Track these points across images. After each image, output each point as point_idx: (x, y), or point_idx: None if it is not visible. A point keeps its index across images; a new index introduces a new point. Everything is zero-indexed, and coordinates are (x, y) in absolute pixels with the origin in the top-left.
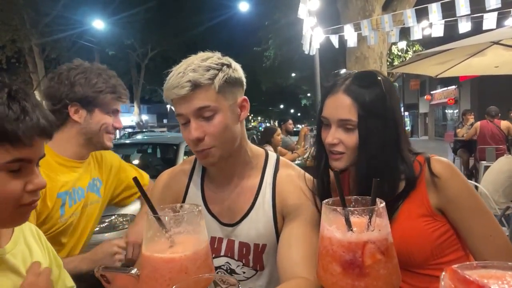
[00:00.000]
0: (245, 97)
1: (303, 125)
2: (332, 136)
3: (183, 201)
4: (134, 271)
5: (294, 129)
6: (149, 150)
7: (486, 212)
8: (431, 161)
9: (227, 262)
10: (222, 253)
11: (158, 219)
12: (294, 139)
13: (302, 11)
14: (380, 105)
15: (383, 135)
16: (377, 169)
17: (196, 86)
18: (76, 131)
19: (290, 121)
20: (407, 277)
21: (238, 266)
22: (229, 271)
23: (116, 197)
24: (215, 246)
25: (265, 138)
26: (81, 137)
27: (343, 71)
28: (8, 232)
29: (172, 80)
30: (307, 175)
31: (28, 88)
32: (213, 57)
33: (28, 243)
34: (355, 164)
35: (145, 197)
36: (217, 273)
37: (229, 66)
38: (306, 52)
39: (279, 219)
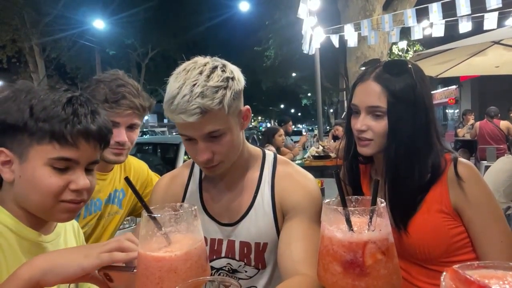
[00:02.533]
0: (248, 107)
1: (304, 133)
2: (361, 122)
3: None
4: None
5: (294, 129)
6: (150, 150)
7: (501, 219)
8: (458, 161)
9: (229, 263)
10: (223, 254)
11: (152, 218)
12: (294, 138)
13: (302, 11)
14: (410, 93)
15: (413, 122)
16: (405, 156)
17: (206, 112)
18: None
19: (291, 123)
20: (416, 271)
21: (240, 266)
22: (231, 271)
23: (137, 210)
24: (215, 248)
25: (267, 139)
26: None
27: (372, 60)
28: (51, 224)
29: (178, 103)
30: (305, 172)
31: None
32: (217, 71)
33: (66, 239)
34: (383, 151)
35: (137, 196)
36: (219, 274)
37: (233, 78)
38: (306, 52)
39: (279, 216)
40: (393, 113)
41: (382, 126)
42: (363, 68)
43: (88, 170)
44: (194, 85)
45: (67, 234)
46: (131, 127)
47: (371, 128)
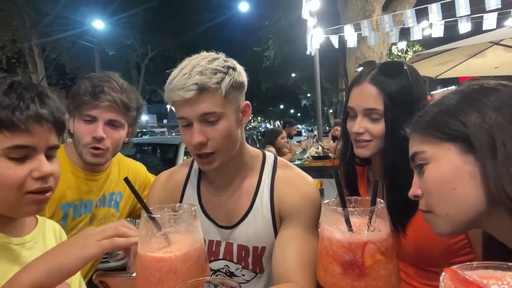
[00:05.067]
0: (248, 102)
1: (304, 138)
2: (358, 125)
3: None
4: (135, 274)
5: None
6: (149, 151)
7: None
8: None
9: (226, 265)
10: (221, 256)
11: (152, 218)
12: (294, 139)
13: (306, 12)
14: (407, 94)
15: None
16: (403, 158)
17: (203, 89)
18: (73, 141)
19: (295, 127)
20: (414, 273)
21: (237, 269)
22: (228, 274)
23: (136, 211)
24: (213, 250)
25: (269, 140)
26: (75, 148)
27: (368, 62)
28: (22, 226)
29: (177, 81)
30: (306, 175)
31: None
32: (219, 59)
33: (46, 243)
34: (380, 153)
35: (137, 197)
36: (217, 276)
37: (234, 69)
38: (309, 53)
39: (278, 221)
40: (390, 115)
41: (379, 129)
42: (360, 69)
43: (49, 157)
44: (195, 66)
45: (46, 239)
46: (111, 124)
47: (368, 130)
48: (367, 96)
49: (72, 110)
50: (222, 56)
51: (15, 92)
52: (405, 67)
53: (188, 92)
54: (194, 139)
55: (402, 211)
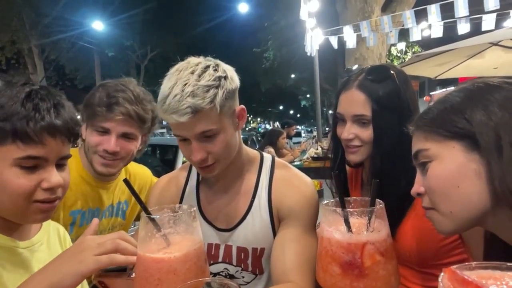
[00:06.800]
0: (243, 106)
1: (303, 139)
2: (348, 131)
3: None
4: (133, 274)
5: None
6: (148, 152)
7: None
8: None
9: (226, 268)
10: (220, 259)
11: (151, 219)
12: (294, 139)
13: (304, 13)
14: (394, 98)
15: (398, 128)
16: (391, 163)
17: (197, 111)
18: (84, 147)
19: (294, 127)
20: (410, 274)
21: (237, 271)
22: (228, 277)
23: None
24: (213, 253)
25: (269, 140)
26: (85, 155)
27: (355, 66)
28: (27, 230)
29: (169, 103)
30: (304, 176)
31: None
32: (209, 69)
33: (50, 245)
34: (369, 158)
35: (136, 197)
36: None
37: (226, 77)
38: (309, 54)
39: (276, 221)
40: (378, 121)
41: (368, 134)
42: (355, 68)
43: (59, 166)
44: (185, 84)
45: (50, 240)
46: (125, 136)
47: (358, 136)
48: (355, 102)
49: (85, 118)
50: (211, 62)
51: (31, 102)
52: (391, 71)
53: (182, 117)
54: (194, 156)
55: (392, 215)
